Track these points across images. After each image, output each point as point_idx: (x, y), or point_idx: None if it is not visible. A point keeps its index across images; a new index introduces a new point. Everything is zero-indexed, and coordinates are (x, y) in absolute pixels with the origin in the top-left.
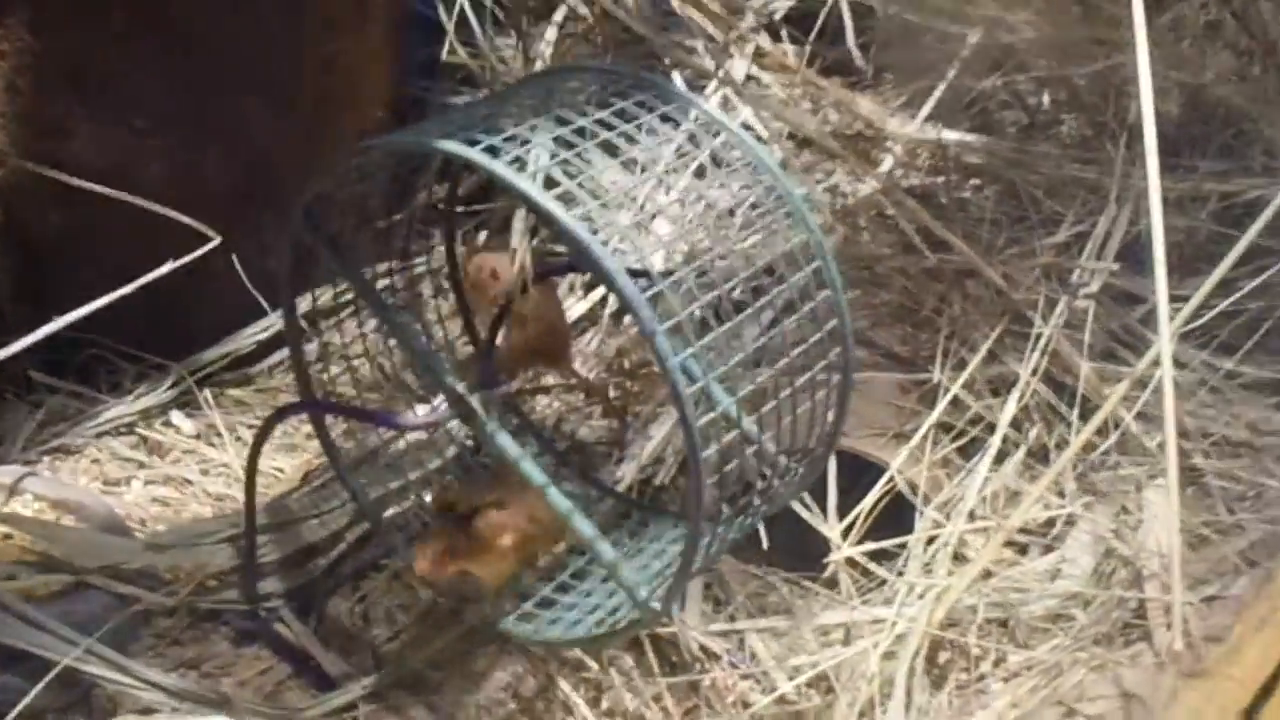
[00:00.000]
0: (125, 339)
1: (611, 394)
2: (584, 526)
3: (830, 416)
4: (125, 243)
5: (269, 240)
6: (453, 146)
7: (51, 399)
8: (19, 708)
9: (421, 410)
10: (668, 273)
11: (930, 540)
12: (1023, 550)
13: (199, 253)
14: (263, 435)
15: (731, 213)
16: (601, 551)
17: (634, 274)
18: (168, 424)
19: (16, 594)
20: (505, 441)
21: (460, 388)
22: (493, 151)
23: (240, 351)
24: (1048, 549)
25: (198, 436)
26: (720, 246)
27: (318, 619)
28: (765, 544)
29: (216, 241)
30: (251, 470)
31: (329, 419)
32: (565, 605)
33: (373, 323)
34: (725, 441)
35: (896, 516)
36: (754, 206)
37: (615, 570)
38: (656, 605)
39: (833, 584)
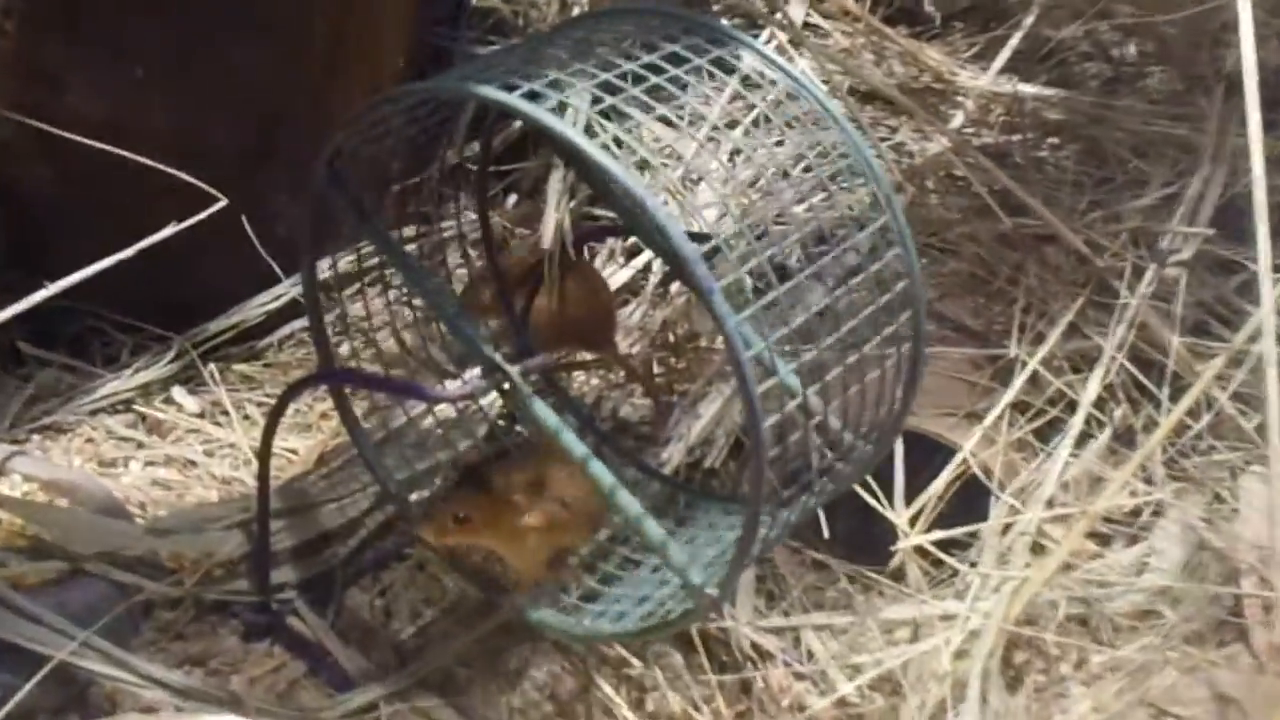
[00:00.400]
0: (123, 308)
1: (656, 371)
2: (629, 503)
3: (899, 390)
4: (123, 203)
5: (280, 202)
6: (491, 91)
7: (42, 373)
8: (9, 706)
9: (452, 385)
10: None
11: (1006, 529)
12: (1106, 542)
13: (203, 215)
14: (279, 409)
15: (789, 170)
16: (649, 531)
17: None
18: (169, 401)
19: (5, 582)
20: (543, 412)
21: (497, 356)
22: (533, 97)
23: (248, 323)
24: (1134, 540)
25: (201, 415)
26: (778, 204)
27: (335, 612)
28: (825, 532)
29: (223, 204)
30: (266, 448)
31: (351, 394)
32: (609, 598)
33: (394, 293)
34: (785, 413)
35: (967, 504)
36: (816, 161)
37: (664, 551)
38: (712, 591)
39: (899, 577)
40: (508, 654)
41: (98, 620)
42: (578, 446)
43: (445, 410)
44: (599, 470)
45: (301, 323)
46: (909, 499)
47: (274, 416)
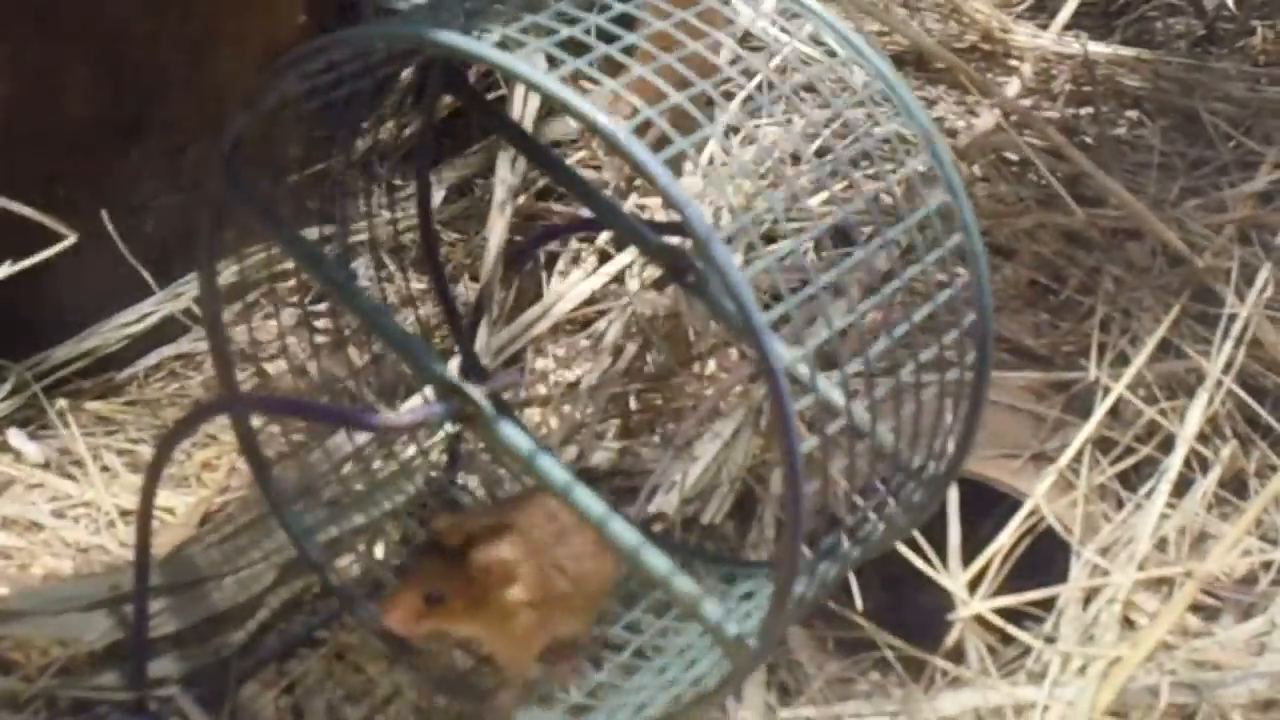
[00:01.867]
0: None
1: (633, 407)
2: (651, 558)
3: (958, 419)
4: None
5: (146, 191)
6: (456, 38)
7: None
8: None
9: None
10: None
11: (1089, 596)
12: (1214, 615)
13: (47, 254)
14: (167, 447)
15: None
16: (678, 587)
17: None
18: (3, 448)
19: None
20: (514, 436)
21: (453, 376)
22: (503, 48)
23: (105, 349)
24: (1250, 612)
25: (46, 465)
26: (787, 190)
27: (230, 713)
28: (858, 602)
29: (70, 242)
30: (147, 503)
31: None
32: (626, 689)
33: (292, 312)
34: (826, 434)
35: (1038, 566)
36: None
37: (697, 608)
38: (752, 642)
39: (956, 657)
40: None
41: None
42: (558, 473)
43: (374, 457)
44: (588, 501)
45: (174, 349)
46: (966, 560)
47: (160, 457)
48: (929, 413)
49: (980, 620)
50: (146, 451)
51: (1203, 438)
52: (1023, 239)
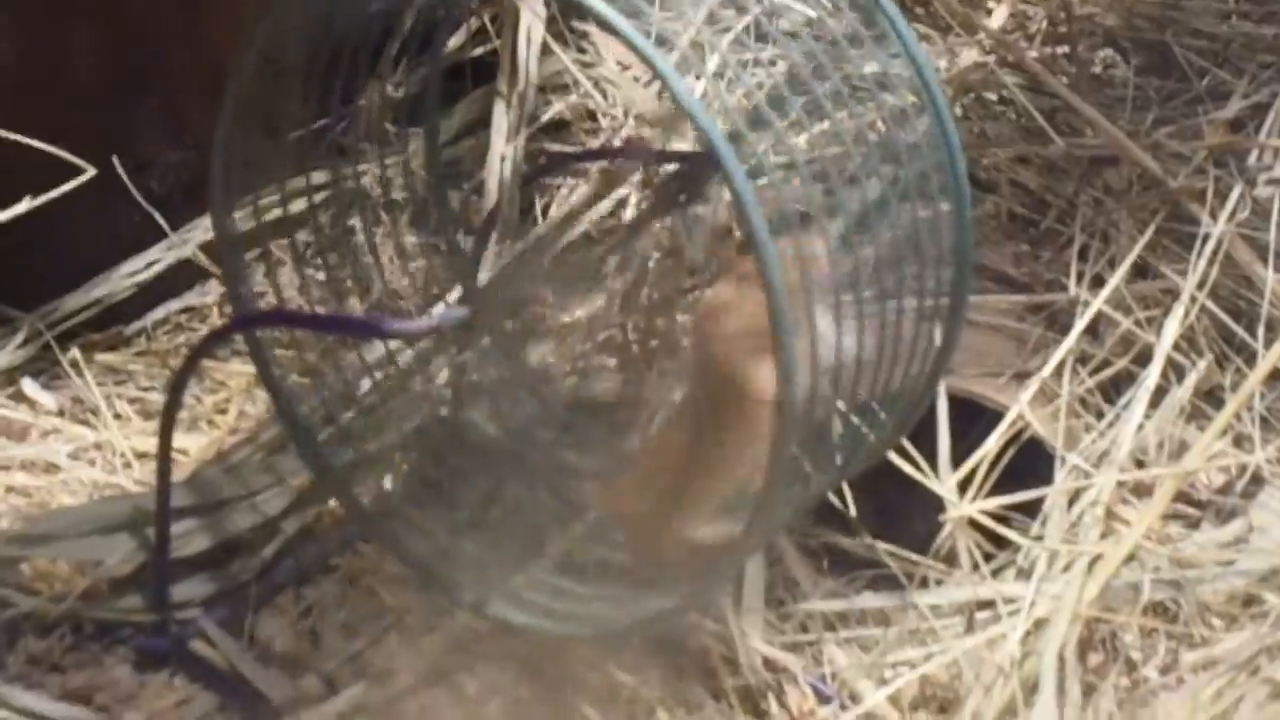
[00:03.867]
0: None
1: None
2: None
3: (935, 337)
4: None
5: (149, 146)
6: None
7: None
8: None
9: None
10: None
11: (1074, 498)
12: (1194, 524)
13: (67, 187)
14: (191, 364)
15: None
16: None
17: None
18: (18, 396)
19: None
20: None
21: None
22: None
23: (114, 298)
24: (1228, 516)
25: (61, 413)
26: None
27: (250, 636)
28: (850, 510)
29: (89, 175)
30: (169, 420)
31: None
32: (590, 595)
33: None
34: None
35: (1023, 474)
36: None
37: None
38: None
39: (947, 560)
40: (467, 678)
41: None
42: None
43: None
44: None
45: (180, 303)
46: (955, 464)
47: (181, 376)
48: (909, 327)
49: (970, 523)
50: (157, 399)
51: (1179, 351)
52: (1003, 171)
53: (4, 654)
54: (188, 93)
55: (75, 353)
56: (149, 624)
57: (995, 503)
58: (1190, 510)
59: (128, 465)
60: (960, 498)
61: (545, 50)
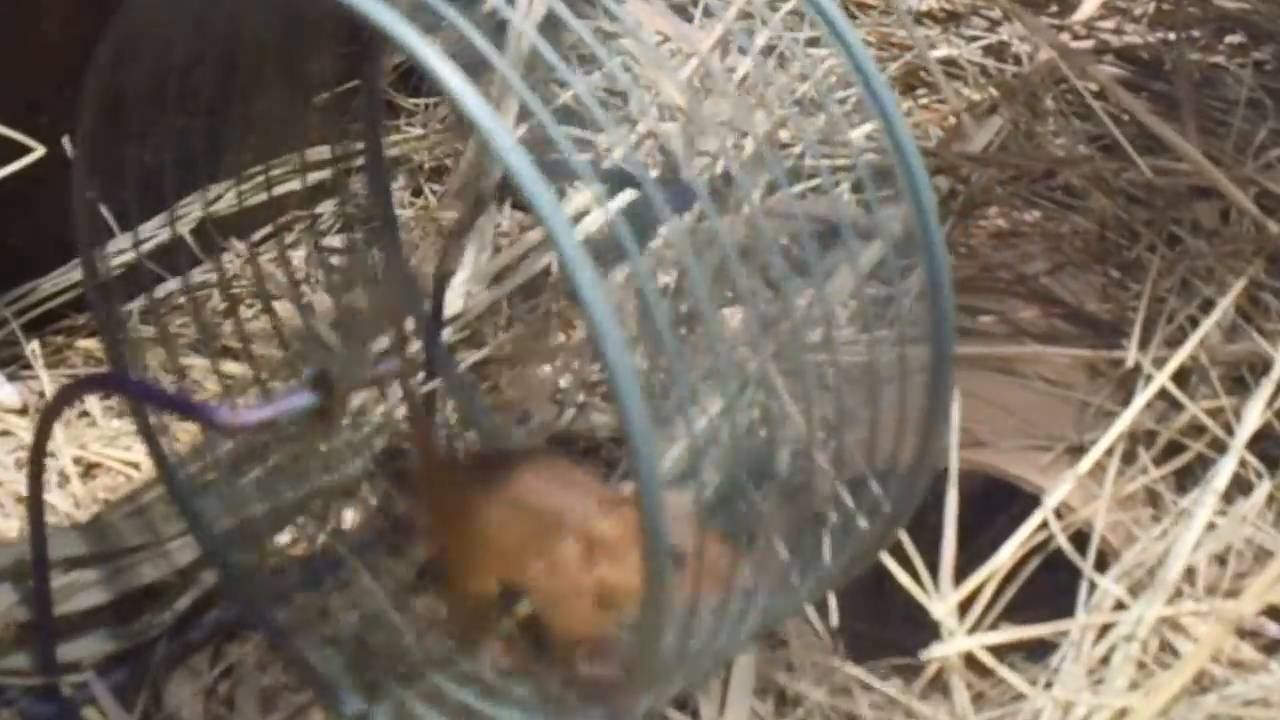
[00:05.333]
0: None
1: None
2: None
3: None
4: None
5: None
6: None
7: None
8: None
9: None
10: None
11: (1104, 631)
12: (1270, 648)
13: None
14: (48, 419)
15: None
16: None
17: None
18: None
19: None
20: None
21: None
22: None
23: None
24: None
25: (24, 411)
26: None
27: (151, 700)
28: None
29: (39, 154)
30: (37, 466)
31: None
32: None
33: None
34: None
35: (1056, 587)
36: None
37: None
38: None
39: (944, 690)
40: None
41: None
42: None
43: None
44: None
45: (174, 284)
46: (961, 574)
47: (43, 428)
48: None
49: (967, 657)
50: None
51: (1265, 436)
52: (1090, 188)
53: None
54: None
55: (59, 339)
56: (37, 686)
57: (1001, 637)
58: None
59: (65, 481)
60: (960, 620)
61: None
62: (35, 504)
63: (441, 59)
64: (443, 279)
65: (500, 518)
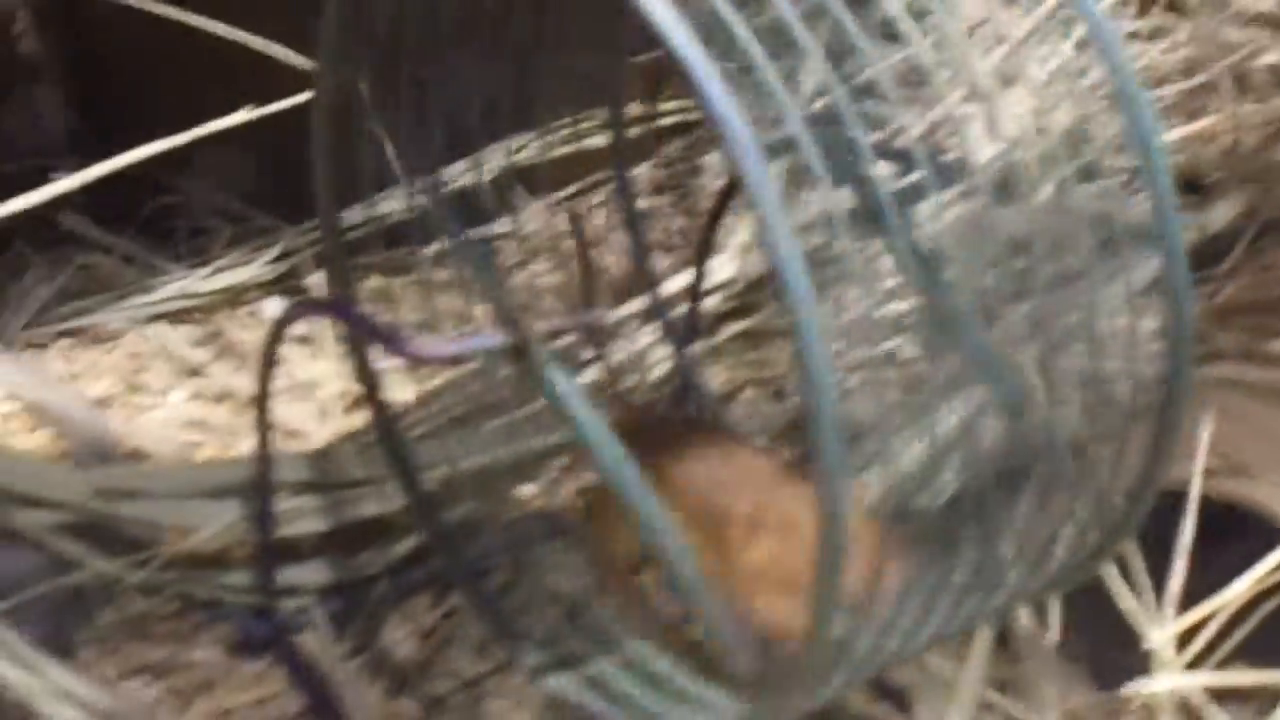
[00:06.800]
0: (224, 185)
1: None
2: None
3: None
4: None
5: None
6: None
7: (88, 258)
8: None
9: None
10: None
11: None
12: None
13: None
14: (272, 342)
15: None
16: None
17: None
18: (256, 316)
19: None
20: (562, 384)
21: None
22: None
23: (397, 216)
24: None
25: (305, 340)
26: None
27: (365, 639)
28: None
29: None
30: (263, 390)
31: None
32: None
33: None
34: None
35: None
36: None
37: None
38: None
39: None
40: None
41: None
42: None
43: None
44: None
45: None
46: (1186, 604)
47: (268, 351)
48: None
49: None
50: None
51: None
52: None
53: (100, 609)
54: None
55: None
56: (256, 605)
57: (1221, 680)
58: None
59: (325, 416)
60: (1179, 653)
61: None
62: (262, 424)
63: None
64: (705, 247)
65: (666, 491)
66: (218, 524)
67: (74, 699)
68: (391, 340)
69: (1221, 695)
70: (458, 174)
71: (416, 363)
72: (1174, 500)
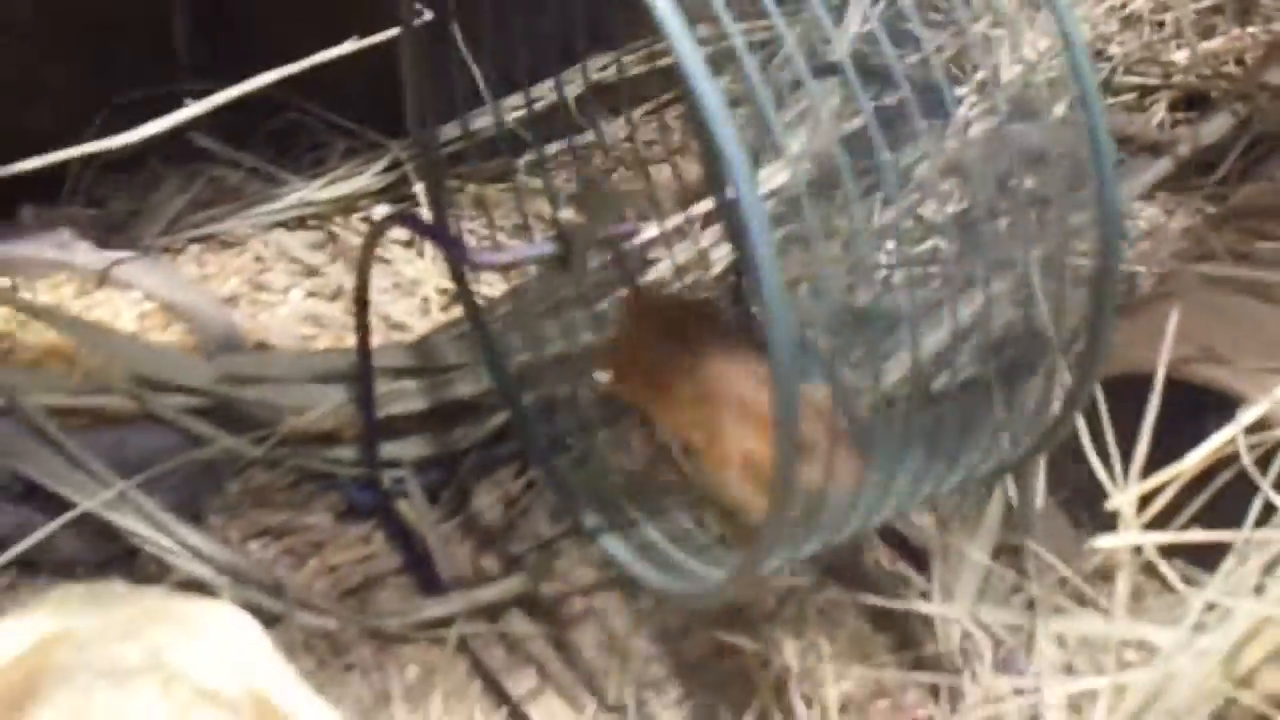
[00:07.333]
0: (335, 103)
1: None
2: None
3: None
4: None
5: None
6: None
7: (217, 171)
8: (25, 544)
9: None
10: None
11: None
12: None
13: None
14: (370, 244)
15: None
16: None
17: None
18: (369, 220)
19: (49, 414)
20: None
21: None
22: None
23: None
24: None
25: (409, 243)
26: None
27: (455, 505)
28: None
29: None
30: (362, 286)
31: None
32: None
33: None
34: None
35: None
36: None
37: None
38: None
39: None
40: (638, 593)
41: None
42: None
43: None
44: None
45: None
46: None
47: (366, 252)
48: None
49: (1138, 551)
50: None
51: None
52: None
53: (227, 481)
54: None
55: (454, 183)
56: (362, 477)
57: (1172, 537)
58: None
59: (444, 308)
60: (1139, 514)
61: None
62: (362, 318)
63: None
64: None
65: (675, 377)
66: (328, 406)
67: (203, 557)
68: (456, 248)
69: (1175, 552)
70: (542, 93)
71: (475, 268)
72: (1148, 383)
